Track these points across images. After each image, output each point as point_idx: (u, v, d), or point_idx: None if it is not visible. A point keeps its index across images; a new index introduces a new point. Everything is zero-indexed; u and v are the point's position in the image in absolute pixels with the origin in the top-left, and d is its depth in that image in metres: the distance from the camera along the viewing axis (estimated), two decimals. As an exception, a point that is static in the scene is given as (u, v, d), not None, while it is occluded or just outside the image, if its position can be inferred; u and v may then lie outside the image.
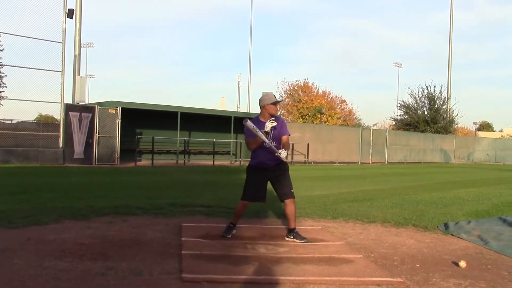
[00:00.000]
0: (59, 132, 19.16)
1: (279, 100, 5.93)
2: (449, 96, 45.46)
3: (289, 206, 5.86)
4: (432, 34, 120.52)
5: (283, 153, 5.67)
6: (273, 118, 5.84)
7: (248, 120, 5.73)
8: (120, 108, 20.58)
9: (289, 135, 5.95)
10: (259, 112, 5.94)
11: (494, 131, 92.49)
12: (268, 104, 5.78)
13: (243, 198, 5.90)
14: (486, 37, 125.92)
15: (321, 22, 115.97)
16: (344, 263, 4.94)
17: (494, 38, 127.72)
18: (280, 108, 50.83)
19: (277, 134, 5.82)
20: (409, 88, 51.38)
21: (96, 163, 19.66)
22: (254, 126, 5.66)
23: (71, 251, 4.91)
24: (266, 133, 5.73)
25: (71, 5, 20.01)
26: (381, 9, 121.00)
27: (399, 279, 4.44)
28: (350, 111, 54.18)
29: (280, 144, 5.84)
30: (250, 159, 6.02)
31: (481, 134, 73.06)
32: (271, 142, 5.74)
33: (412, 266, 4.95)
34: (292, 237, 5.90)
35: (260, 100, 5.85)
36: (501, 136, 75.08)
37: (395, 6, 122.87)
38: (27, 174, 14.12)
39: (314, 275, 4.53)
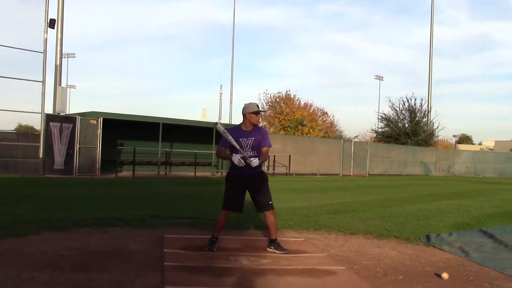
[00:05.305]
0: (39, 142, 18.91)
1: (261, 110, 5.90)
2: (429, 109, 45.90)
3: (269, 217, 5.84)
4: (414, 48, 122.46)
5: (254, 161, 5.60)
6: (255, 127, 5.84)
7: (218, 123, 5.72)
8: (101, 118, 20.40)
9: (270, 147, 5.90)
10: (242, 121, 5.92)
11: (474, 143, 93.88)
12: (249, 112, 5.75)
13: (224, 207, 5.86)
14: (466, 53, 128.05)
15: (304, 37, 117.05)
16: (327, 275, 4.93)
17: (474, 53, 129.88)
18: (262, 120, 50.93)
19: (257, 145, 5.79)
20: (390, 100, 52.10)
21: (77, 174, 19.42)
22: (225, 130, 5.70)
23: (51, 263, 4.82)
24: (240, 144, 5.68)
25: (52, 15, 19.91)
26: (363, 24, 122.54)
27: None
28: (331, 123, 54.34)
29: (259, 154, 5.80)
30: (229, 169, 5.99)
31: (461, 146, 74.01)
32: (249, 151, 5.72)
33: (395, 277, 4.96)
34: (273, 247, 5.89)
35: (243, 108, 5.83)
36: (480, 149, 76.21)
37: (377, 21, 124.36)
38: (6, 185, 13.90)
39: (298, 287, 4.51)
